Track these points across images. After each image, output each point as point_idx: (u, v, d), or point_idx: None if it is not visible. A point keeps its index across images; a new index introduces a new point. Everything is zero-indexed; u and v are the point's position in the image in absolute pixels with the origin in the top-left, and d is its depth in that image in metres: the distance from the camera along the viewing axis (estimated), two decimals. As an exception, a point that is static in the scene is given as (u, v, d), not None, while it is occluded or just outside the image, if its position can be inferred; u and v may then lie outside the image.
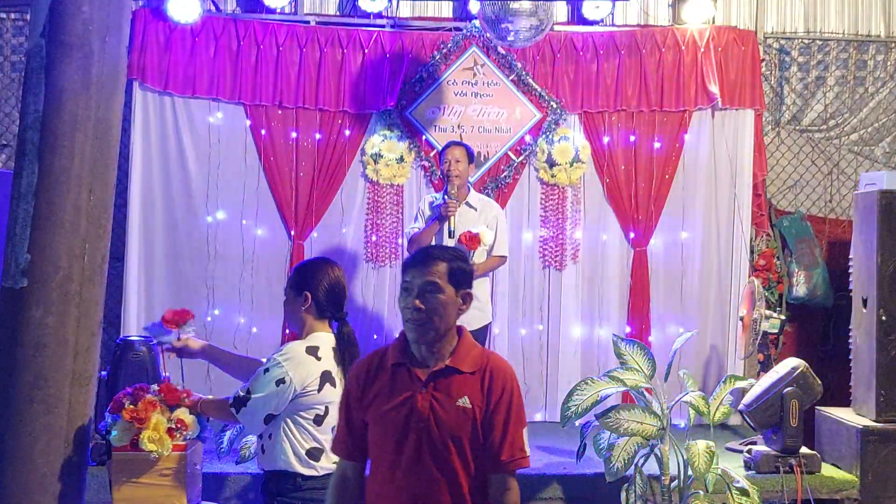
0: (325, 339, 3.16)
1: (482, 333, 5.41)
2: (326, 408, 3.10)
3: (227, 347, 3.69)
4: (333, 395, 3.08)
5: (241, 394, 3.08)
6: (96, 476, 4.27)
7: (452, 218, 5.20)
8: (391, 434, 2.59)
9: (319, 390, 3.08)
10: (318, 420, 3.10)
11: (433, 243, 5.34)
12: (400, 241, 6.47)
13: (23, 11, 6.49)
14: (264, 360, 3.36)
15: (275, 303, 6.46)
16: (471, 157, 5.41)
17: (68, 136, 3.35)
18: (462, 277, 2.67)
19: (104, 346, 3.90)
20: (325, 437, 3.10)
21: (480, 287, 5.35)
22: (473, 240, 5.11)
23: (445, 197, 5.24)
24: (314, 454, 3.10)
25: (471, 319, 5.27)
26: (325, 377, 3.10)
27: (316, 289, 3.16)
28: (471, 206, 5.34)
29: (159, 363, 4.72)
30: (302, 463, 3.09)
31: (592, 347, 6.66)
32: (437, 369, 2.62)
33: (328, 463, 3.08)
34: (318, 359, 3.10)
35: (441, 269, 2.63)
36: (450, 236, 5.20)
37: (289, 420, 3.09)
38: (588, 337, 6.67)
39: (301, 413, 3.09)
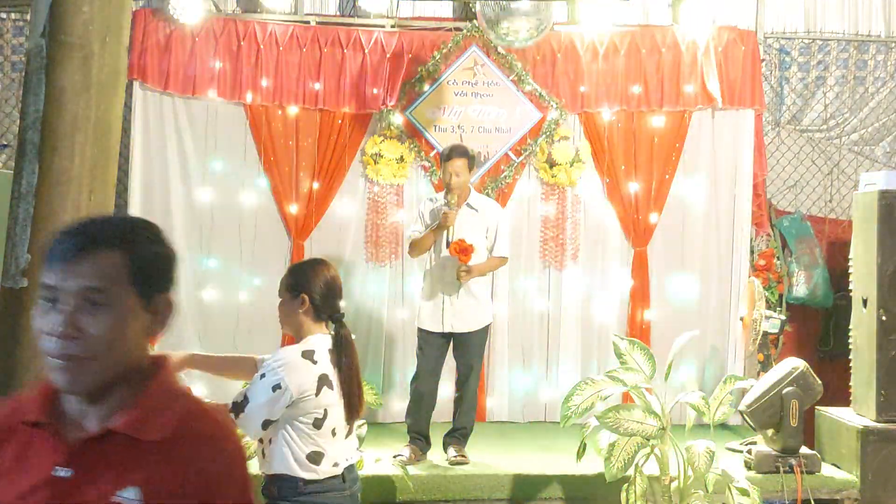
0: (321, 341, 3.09)
1: (483, 335, 5.40)
2: (325, 411, 3.04)
3: (226, 347, 3.67)
4: (331, 397, 3.04)
5: (239, 400, 3.01)
6: (96, 476, 4.27)
7: (452, 228, 5.14)
8: None
9: (317, 394, 3.01)
10: (318, 424, 3.02)
11: (431, 250, 5.29)
12: (400, 240, 6.47)
13: (23, 11, 6.48)
14: (257, 356, 3.33)
15: (274, 303, 6.45)
16: (471, 162, 5.35)
17: (69, 137, 3.35)
18: (155, 273, 1.60)
19: (104, 347, 3.89)
20: (325, 440, 3.04)
21: (481, 287, 5.35)
22: (466, 251, 5.10)
23: (445, 207, 5.19)
24: (314, 458, 3.03)
25: (470, 320, 5.26)
26: (322, 380, 3.02)
27: (312, 290, 3.10)
28: (471, 207, 5.31)
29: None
30: (302, 467, 3.02)
31: (592, 347, 6.66)
32: (93, 436, 1.55)
33: (329, 466, 3.05)
34: (315, 362, 3.03)
35: (111, 261, 1.54)
36: (447, 246, 5.15)
37: (288, 425, 3.02)
38: (588, 337, 6.67)
39: (300, 418, 3.01)
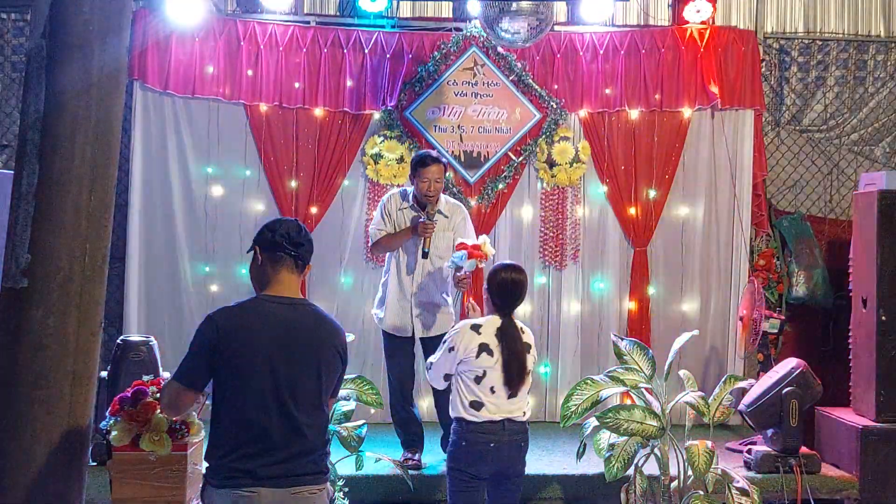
0: (492, 321, 4.04)
1: None
2: (484, 371, 3.96)
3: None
4: (490, 361, 3.96)
5: (431, 361, 4.15)
6: (96, 476, 4.27)
7: (428, 239, 5.02)
8: None
9: (477, 357, 3.95)
10: (478, 380, 3.96)
11: (401, 256, 5.17)
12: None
13: (23, 12, 6.49)
14: None
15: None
16: (445, 168, 5.22)
17: (69, 137, 3.35)
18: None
19: (104, 346, 3.90)
20: (483, 393, 3.96)
21: (448, 290, 5.28)
22: (478, 250, 4.98)
23: (424, 220, 5.02)
24: (476, 405, 3.96)
25: (437, 325, 5.21)
26: (483, 348, 3.96)
27: (491, 290, 4.09)
28: (441, 214, 5.18)
29: (159, 363, 4.74)
30: (466, 411, 3.97)
31: (592, 347, 6.66)
32: None
33: (487, 413, 3.95)
34: (479, 334, 3.99)
35: None
36: (423, 256, 5.04)
37: (459, 378, 4.02)
38: (588, 337, 6.67)
39: (466, 373, 3.98)
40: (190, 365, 3.00)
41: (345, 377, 3.47)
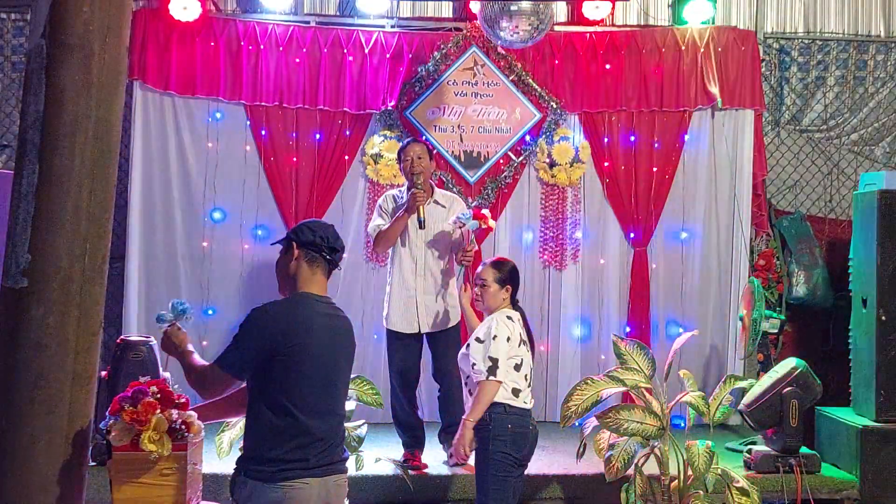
0: (515, 313, 4.29)
1: (457, 331, 5.26)
2: (522, 359, 4.20)
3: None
4: (524, 350, 4.23)
5: (489, 364, 4.10)
6: (96, 476, 4.27)
7: (422, 208, 5.02)
8: None
9: (519, 345, 4.20)
10: (517, 367, 4.18)
11: (400, 245, 5.19)
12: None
13: (23, 12, 6.49)
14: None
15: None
16: (430, 153, 5.26)
17: (69, 137, 3.35)
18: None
19: (104, 346, 3.90)
20: (521, 380, 4.18)
21: (453, 285, 5.28)
22: (484, 217, 5.01)
23: (413, 189, 5.04)
24: (516, 392, 4.15)
25: (444, 319, 5.20)
26: (521, 337, 4.23)
27: (515, 284, 4.33)
28: (438, 204, 5.21)
29: (159, 363, 4.74)
30: (509, 396, 4.13)
31: (592, 347, 6.66)
32: None
33: (522, 398, 4.17)
34: (515, 323, 4.24)
35: None
36: (420, 227, 5.05)
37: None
38: (588, 337, 6.67)
39: (509, 360, 4.15)
40: (241, 356, 3.08)
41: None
